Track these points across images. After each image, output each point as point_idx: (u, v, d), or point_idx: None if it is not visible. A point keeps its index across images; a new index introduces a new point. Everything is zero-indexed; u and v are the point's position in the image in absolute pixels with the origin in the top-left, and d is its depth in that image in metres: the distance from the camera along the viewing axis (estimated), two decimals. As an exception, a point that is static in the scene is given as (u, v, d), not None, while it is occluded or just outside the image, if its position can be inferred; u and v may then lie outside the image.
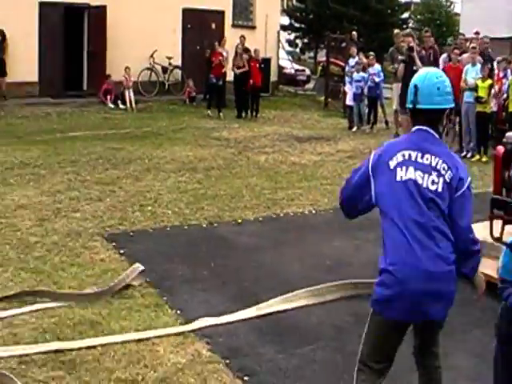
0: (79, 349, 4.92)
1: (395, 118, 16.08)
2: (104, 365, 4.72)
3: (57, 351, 4.88)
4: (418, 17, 44.69)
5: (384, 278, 3.53)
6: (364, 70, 17.95)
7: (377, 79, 17.49)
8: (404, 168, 3.58)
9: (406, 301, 3.48)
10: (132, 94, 19.85)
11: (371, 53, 18.85)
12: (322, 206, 9.28)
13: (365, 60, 18.65)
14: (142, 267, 6.23)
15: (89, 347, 4.95)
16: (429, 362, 3.87)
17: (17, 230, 7.68)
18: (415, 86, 3.71)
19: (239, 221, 8.43)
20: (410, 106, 3.75)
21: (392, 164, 3.62)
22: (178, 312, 5.63)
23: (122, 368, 4.68)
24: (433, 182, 3.55)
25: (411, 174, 3.57)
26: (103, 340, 5.08)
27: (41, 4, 19.59)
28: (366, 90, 17.64)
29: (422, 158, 3.60)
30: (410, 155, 3.62)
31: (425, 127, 3.68)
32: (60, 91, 19.92)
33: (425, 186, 3.55)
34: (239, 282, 6.42)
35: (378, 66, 18.07)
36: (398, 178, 3.58)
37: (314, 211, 8.95)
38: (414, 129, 3.75)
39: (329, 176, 11.39)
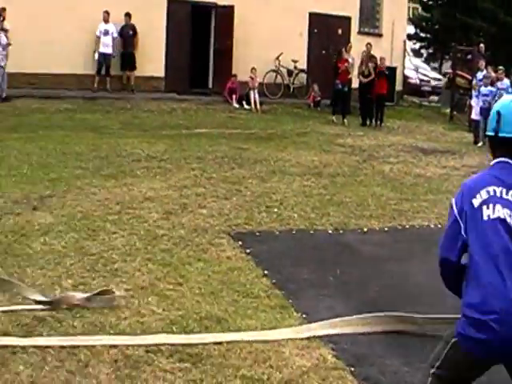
0: (206, 344, 4.96)
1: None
2: (230, 361, 4.73)
3: (184, 345, 4.94)
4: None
5: (473, 319, 3.26)
6: (492, 84, 17.53)
7: (506, 94, 17.03)
8: (491, 206, 3.31)
9: (502, 345, 3.21)
10: (257, 95, 20.04)
11: (500, 67, 18.38)
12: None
13: (493, 74, 18.22)
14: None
15: (215, 343, 4.97)
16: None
17: (144, 221, 7.85)
18: (498, 113, 3.41)
19: (365, 229, 8.34)
20: (492, 133, 3.46)
21: (476, 202, 3.34)
22: (304, 316, 5.59)
23: (247, 366, 4.68)
24: None
25: (499, 212, 3.29)
26: (230, 336, 5.10)
27: (169, 1, 20.09)
28: (493, 105, 17.15)
29: (507, 194, 3.31)
30: (494, 191, 3.34)
31: (507, 159, 3.38)
32: (185, 88, 20.32)
33: None
34: (364, 291, 6.33)
35: (507, 81, 17.63)
36: (485, 217, 3.31)
37: (439, 225, 8.73)
38: (494, 161, 3.45)
39: (454, 190, 11.04)
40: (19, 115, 15.78)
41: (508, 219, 3.28)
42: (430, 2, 36.08)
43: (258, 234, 7.78)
